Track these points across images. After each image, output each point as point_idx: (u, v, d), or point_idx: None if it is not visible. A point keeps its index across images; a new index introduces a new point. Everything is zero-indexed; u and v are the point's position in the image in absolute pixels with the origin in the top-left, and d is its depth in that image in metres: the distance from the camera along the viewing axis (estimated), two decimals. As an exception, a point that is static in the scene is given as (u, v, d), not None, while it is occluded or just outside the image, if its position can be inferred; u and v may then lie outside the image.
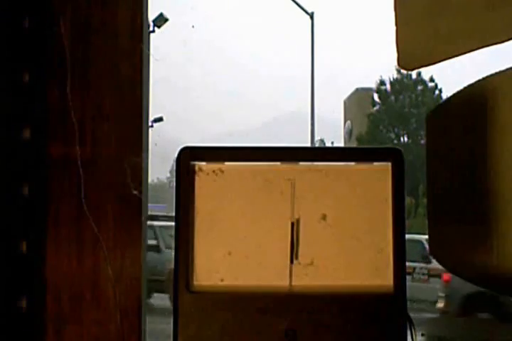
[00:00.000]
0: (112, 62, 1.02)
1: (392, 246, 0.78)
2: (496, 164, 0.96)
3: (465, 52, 1.03)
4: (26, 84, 1.00)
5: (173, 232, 0.79)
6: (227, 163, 0.80)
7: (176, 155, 0.80)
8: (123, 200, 1.00)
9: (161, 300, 6.97)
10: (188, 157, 0.80)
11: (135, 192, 0.99)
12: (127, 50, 1.02)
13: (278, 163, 0.80)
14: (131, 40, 1.02)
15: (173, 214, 0.79)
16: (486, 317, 8.63)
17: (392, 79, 20.81)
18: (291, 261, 0.78)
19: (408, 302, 0.78)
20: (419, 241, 9.25)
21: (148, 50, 1.06)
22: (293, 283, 0.78)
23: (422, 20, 1.08)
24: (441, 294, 9.17)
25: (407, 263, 0.79)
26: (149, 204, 1.11)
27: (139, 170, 1.00)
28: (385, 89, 20.87)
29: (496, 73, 0.98)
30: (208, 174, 0.80)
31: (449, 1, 1.06)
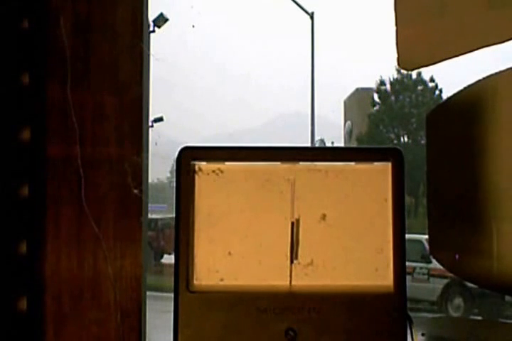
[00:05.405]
0: (112, 61, 1.02)
1: (392, 246, 0.78)
2: (495, 164, 0.96)
3: (465, 52, 1.03)
4: (26, 84, 1.00)
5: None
6: (227, 163, 0.80)
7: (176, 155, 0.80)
8: (123, 200, 1.00)
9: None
10: (188, 157, 0.80)
11: (135, 191, 0.99)
12: (127, 50, 1.02)
13: (278, 163, 0.80)
14: (131, 39, 1.02)
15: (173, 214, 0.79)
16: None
17: (392, 79, 20.78)
18: (291, 261, 0.78)
19: (408, 302, 0.78)
20: (419, 241, 9.25)
21: (148, 50, 1.06)
22: (293, 283, 0.78)
23: (422, 20, 1.08)
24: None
25: (407, 263, 0.79)
26: (150, 205, 1.11)
27: (139, 169, 1.00)
28: (385, 89, 20.84)
29: (496, 73, 0.98)
30: (208, 174, 0.80)
31: (449, 1, 1.06)
